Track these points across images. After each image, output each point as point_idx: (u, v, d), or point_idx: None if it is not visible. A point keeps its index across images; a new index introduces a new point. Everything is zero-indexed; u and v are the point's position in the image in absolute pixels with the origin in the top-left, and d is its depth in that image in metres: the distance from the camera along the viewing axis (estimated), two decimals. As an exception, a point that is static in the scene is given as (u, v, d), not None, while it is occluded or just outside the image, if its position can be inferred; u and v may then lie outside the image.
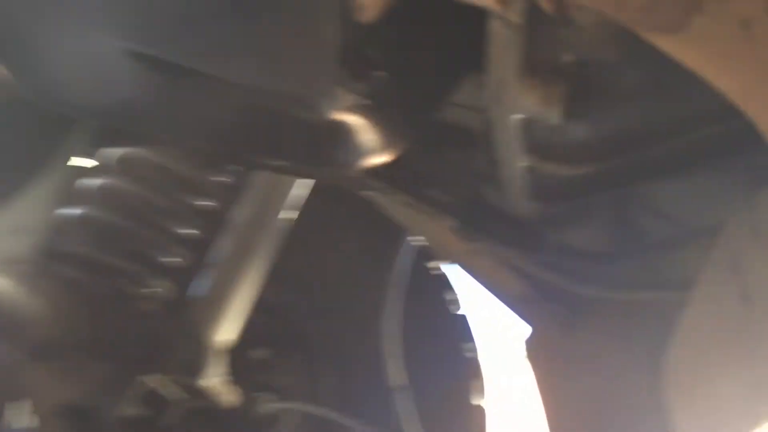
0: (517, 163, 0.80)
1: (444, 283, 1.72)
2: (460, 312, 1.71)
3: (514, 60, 0.65)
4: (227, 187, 1.54)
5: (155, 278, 1.50)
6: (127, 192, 1.49)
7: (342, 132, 0.83)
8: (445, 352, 1.66)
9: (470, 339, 1.67)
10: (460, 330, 1.68)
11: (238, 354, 1.55)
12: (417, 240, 1.72)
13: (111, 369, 1.32)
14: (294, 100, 0.77)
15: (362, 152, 0.87)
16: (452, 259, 1.38)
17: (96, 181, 1.44)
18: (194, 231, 1.52)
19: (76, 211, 1.45)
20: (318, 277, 1.75)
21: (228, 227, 1.53)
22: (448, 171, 0.99)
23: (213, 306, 1.47)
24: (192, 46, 0.72)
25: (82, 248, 1.46)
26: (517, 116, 0.71)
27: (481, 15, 0.75)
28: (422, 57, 0.82)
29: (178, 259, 1.52)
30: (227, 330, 1.47)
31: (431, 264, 1.72)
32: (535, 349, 1.30)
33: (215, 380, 1.43)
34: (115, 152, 1.50)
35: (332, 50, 0.71)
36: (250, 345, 1.63)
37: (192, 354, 1.40)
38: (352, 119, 0.82)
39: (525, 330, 1.46)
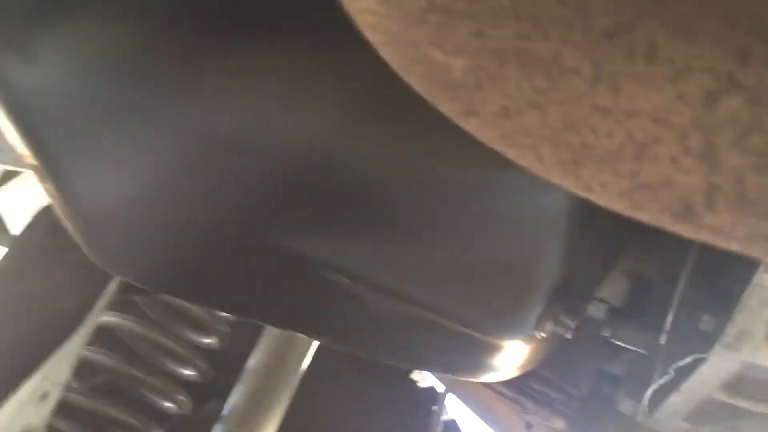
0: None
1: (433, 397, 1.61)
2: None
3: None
4: (242, 330, 1.40)
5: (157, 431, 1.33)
6: (129, 331, 1.32)
7: (502, 353, 0.74)
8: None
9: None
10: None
11: None
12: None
13: None
14: (477, 328, 0.67)
15: (506, 369, 0.78)
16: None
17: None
18: (203, 376, 1.36)
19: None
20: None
21: (242, 374, 1.38)
22: (564, 368, 0.91)
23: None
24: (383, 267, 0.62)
25: (81, 397, 1.27)
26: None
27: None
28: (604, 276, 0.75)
29: (186, 408, 1.36)
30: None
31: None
32: None
33: None
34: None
35: (546, 288, 0.63)
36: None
37: None
38: (521, 344, 0.74)
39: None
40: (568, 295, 0.64)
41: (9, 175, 1.39)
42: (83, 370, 1.31)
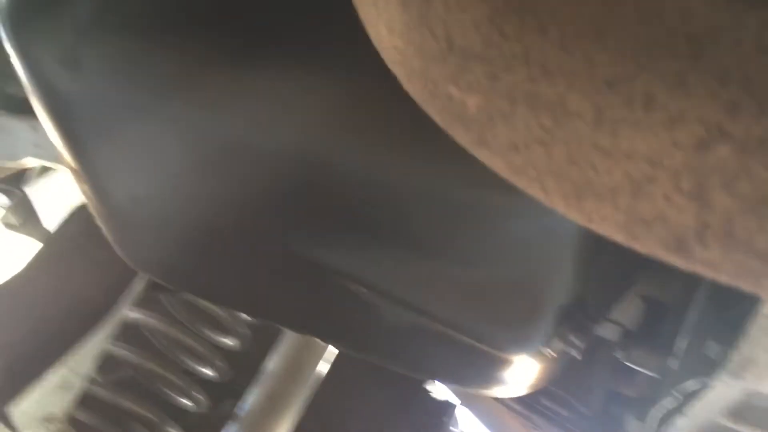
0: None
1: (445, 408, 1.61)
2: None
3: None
4: (261, 332, 1.43)
5: (173, 427, 1.36)
6: (152, 328, 1.35)
7: (512, 368, 0.76)
8: None
9: None
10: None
11: None
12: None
13: None
14: (488, 342, 0.69)
15: (516, 385, 0.80)
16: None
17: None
18: (222, 376, 1.39)
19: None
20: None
21: (259, 375, 1.41)
22: (576, 387, 0.93)
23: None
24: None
25: (102, 390, 1.31)
26: (748, 390, 0.65)
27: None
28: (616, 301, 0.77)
29: (203, 406, 1.38)
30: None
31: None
32: None
33: None
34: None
35: (556, 307, 0.65)
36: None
37: None
38: (531, 361, 0.76)
39: None
40: (578, 315, 0.66)
41: (43, 171, 1.44)
42: (106, 364, 1.35)
